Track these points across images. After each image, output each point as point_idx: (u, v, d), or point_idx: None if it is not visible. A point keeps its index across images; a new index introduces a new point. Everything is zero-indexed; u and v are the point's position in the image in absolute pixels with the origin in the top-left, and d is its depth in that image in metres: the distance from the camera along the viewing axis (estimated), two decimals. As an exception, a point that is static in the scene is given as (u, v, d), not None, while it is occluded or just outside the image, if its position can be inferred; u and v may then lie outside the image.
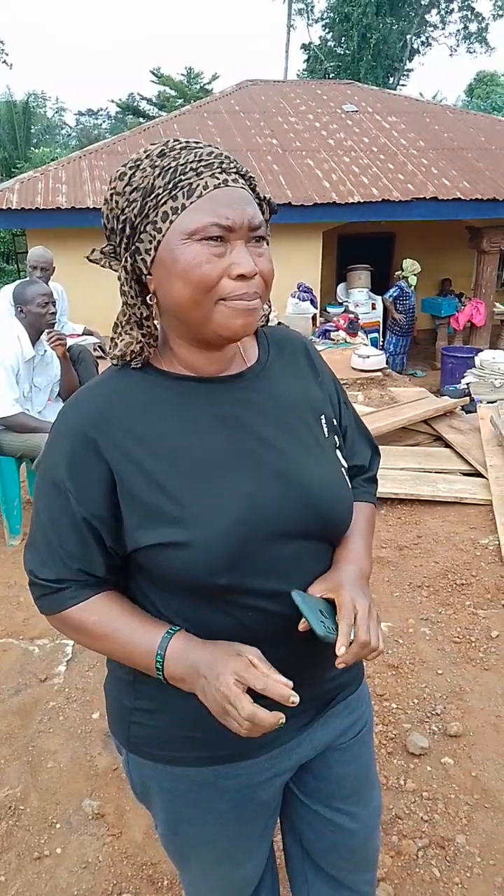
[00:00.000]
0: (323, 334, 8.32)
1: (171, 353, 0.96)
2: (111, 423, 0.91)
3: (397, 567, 3.25)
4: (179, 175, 0.85)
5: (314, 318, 8.82)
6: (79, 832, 1.94)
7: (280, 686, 0.83)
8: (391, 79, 27.42)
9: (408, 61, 28.08)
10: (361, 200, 9.28)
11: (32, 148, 21.95)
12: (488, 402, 5.41)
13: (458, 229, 10.66)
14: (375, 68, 25.71)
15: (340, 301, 10.17)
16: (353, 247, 11.28)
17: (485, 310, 10.44)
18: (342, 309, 9.46)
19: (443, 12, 27.49)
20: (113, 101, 29.36)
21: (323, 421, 1.05)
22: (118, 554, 0.95)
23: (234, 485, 0.91)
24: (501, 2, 26.27)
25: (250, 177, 0.92)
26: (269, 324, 1.07)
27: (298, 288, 8.70)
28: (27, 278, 4.14)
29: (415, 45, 27.92)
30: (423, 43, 28.44)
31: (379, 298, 10.10)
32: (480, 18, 27.42)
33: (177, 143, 0.88)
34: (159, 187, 0.85)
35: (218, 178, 0.86)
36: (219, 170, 0.86)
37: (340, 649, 0.87)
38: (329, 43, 27.90)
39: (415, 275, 9.47)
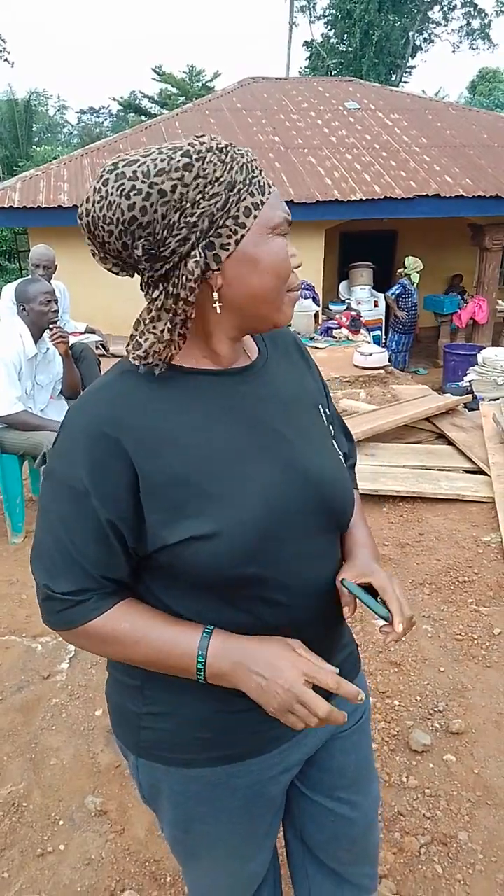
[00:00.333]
0: (325, 332, 8.31)
1: (198, 347, 0.95)
2: (130, 421, 0.89)
3: (399, 564, 3.25)
4: (251, 172, 0.88)
5: (316, 315, 8.81)
6: (81, 829, 1.94)
7: (350, 685, 0.89)
8: (393, 76, 27.37)
9: (410, 58, 28.02)
10: (364, 198, 9.26)
11: (34, 146, 21.94)
12: (491, 400, 5.40)
13: (460, 226, 10.64)
14: (378, 65, 25.67)
15: (343, 299, 10.17)
16: (356, 244, 11.27)
17: (487, 307, 10.42)
18: (344, 306, 9.45)
19: (445, 9, 27.45)
20: (115, 99, 29.34)
21: (321, 410, 1.09)
22: (137, 556, 0.94)
23: (255, 475, 0.93)
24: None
25: None
26: None
27: (301, 285, 8.69)
28: (29, 276, 4.14)
29: (417, 42, 27.87)
30: (425, 40, 28.40)
31: (381, 296, 10.10)
32: (483, 15, 27.38)
33: (218, 140, 0.88)
34: (239, 182, 0.86)
35: (267, 177, 0.92)
36: (261, 170, 0.92)
37: (399, 627, 0.95)
38: (331, 40, 27.85)
39: (417, 272, 9.47)
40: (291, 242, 0.95)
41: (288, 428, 0.99)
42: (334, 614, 1.03)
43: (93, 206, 0.85)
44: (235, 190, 0.86)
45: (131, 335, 0.91)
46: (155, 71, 26.41)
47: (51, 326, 3.46)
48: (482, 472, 4.09)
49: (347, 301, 9.91)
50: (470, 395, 5.67)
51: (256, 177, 0.89)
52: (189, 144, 0.85)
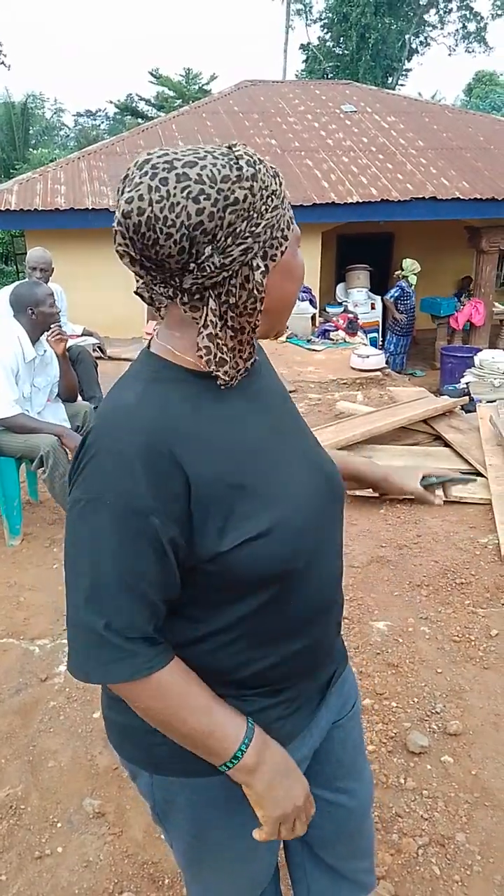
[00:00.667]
0: (322, 334, 8.33)
1: None
2: (177, 430, 0.87)
3: (397, 566, 3.26)
4: (284, 186, 0.90)
5: (313, 317, 8.83)
6: (80, 831, 1.94)
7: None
8: (390, 79, 27.44)
9: (406, 61, 28.13)
10: (360, 200, 9.29)
11: (31, 149, 21.96)
12: (488, 402, 5.41)
13: (457, 229, 10.67)
14: (374, 68, 25.74)
15: (339, 301, 10.19)
16: (352, 247, 11.29)
17: (484, 309, 10.44)
18: (341, 309, 9.47)
19: (441, 12, 27.53)
20: (111, 102, 29.32)
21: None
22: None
23: (289, 470, 0.97)
24: (500, 1, 26.28)
25: None
26: None
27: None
28: (25, 279, 4.14)
29: (413, 45, 27.96)
30: (421, 43, 28.49)
31: (378, 298, 10.12)
32: (479, 18, 27.46)
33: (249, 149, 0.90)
34: (284, 196, 0.90)
35: None
36: None
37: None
38: (328, 43, 27.94)
39: (415, 274, 9.49)
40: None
41: (293, 422, 1.06)
42: (340, 598, 1.09)
43: (150, 205, 0.80)
44: (283, 202, 0.89)
45: (212, 352, 0.88)
46: (151, 74, 26.41)
47: (51, 326, 3.48)
48: (479, 474, 4.10)
49: (344, 303, 9.93)
50: (467, 397, 5.69)
51: (285, 189, 0.91)
52: (245, 153, 0.84)
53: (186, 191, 0.79)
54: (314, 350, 7.76)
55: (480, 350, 7.71)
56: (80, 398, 4.05)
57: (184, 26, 75.42)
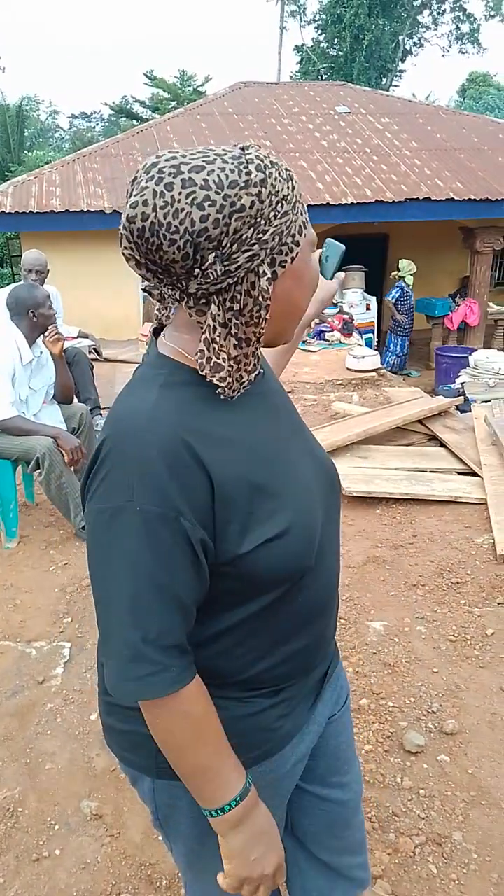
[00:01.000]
0: (318, 335, 8.34)
1: None
2: (197, 432, 0.86)
3: (392, 566, 3.27)
4: (299, 190, 0.89)
5: (309, 319, 8.82)
6: (77, 833, 1.94)
7: None
8: (384, 80, 27.50)
9: (400, 62, 28.17)
10: (355, 201, 9.31)
11: (26, 151, 21.92)
12: (483, 402, 5.42)
13: (451, 230, 10.70)
14: (368, 69, 25.79)
15: (335, 302, 10.18)
16: (347, 248, 11.25)
17: (479, 310, 10.48)
18: (337, 310, 9.46)
19: (435, 13, 27.60)
20: (106, 104, 29.28)
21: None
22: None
23: (300, 469, 0.99)
24: (493, 2, 26.37)
25: None
26: None
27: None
28: (21, 282, 4.15)
29: (407, 46, 28.01)
30: (415, 44, 28.55)
31: (373, 299, 10.13)
32: (472, 19, 27.53)
33: (268, 153, 0.89)
34: (297, 201, 0.88)
35: None
36: None
37: None
38: (322, 44, 27.97)
39: (411, 274, 9.51)
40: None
41: (296, 422, 1.07)
42: (338, 593, 1.11)
43: (154, 210, 0.79)
44: (295, 208, 0.87)
45: (206, 357, 0.86)
46: (146, 75, 26.45)
47: (48, 327, 3.49)
48: (474, 474, 4.11)
49: (339, 304, 9.92)
50: (462, 398, 5.70)
51: (300, 194, 0.90)
52: (256, 157, 0.82)
53: (191, 197, 0.78)
54: (310, 351, 7.77)
55: (475, 350, 7.73)
56: (75, 400, 4.05)
57: (178, 28, 75.48)
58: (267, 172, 0.82)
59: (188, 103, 15.98)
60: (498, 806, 1.98)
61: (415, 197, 9.47)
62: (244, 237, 0.81)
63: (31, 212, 8.87)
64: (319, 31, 27.91)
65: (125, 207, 0.82)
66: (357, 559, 3.32)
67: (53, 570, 3.31)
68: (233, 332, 0.86)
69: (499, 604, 2.92)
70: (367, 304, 10.12)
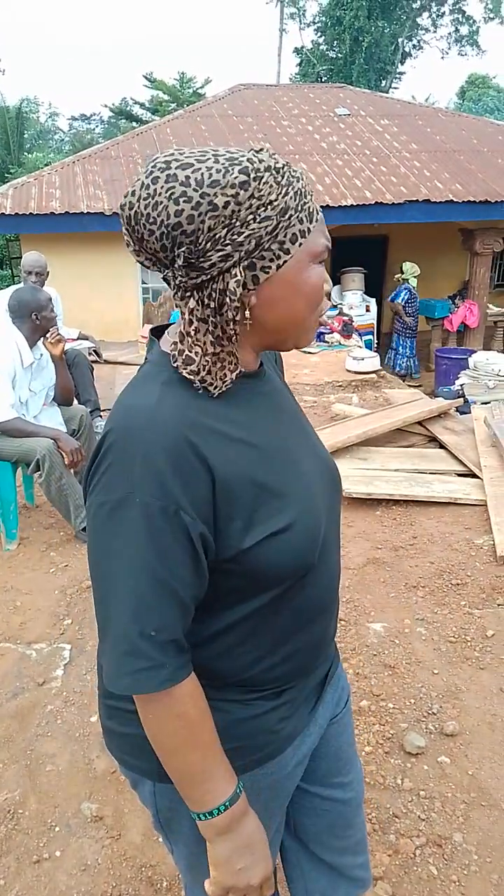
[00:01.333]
0: (317, 337, 8.34)
1: None
2: (197, 428, 0.86)
3: (392, 568, 3.27)
4: (304, 198, 0.88)
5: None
6: (77, 835, 1.94)
7: None
8: (383, 82, 27.54)
9: (400, 64, 28.22)
10: (354, 203, 9.32)
11: (26, 153, 21.93)
12: (482, 403, 5.43)
13: (451, 231, 10.71)
14: (368, 71, 25.83)
15: (334, 303, 10.20)
16: (347, 249, 11.30)
17: (478, 311, 10.48)
18: (336, 311, 9.47)
19: (434, 15, 27.64)
20: (106, 106, 29.39)
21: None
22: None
23: (304, 467, 1.00)
24: (492, 5, 26.41)
25: None
26: None
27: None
28: (22, 284, 4.15)
29: (406, 49, 28.05)
30: (414, 46, 28.60)
31: (373, 300, 10.15)
32: (472, 21, 27.58)
33: (276, 158, 0.88)
34: (292, 208, 0.86)
35: (316, 203, 0.92)
36: (312, 194, 0.92)
37: None
38: (321, 47, 28.02)
39: (415, 276, 9.52)
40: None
41: (300, 421, 1.08)
42: (338, 596, 1.11)
43: (138, 200, 0.83)
44: (287, 216, 0.86)
45: (178, 349, 0.88)
46: (146, 77, 26.47)
47: (49, 329, 3.50)
48: (474, 475, 4.11)
49: (339, 306, 9.94)
50: (461, 399, 5.71)
51: (307, 203, 0.88)
52: (248, 160, 0.83)
53: (170, 192, 0.81)
54: (309, 352, 7.77)
55: (475, 352, 7.74)
56: (75, 402, 4.05)
57: (178, 30, 75.56)
58: (252, 176, 0.82)
59: (188, 105, 16.00)
60: (498, 807, 1.98)
61: (414, 199, 9.49)
62: (217, 236, 0.82)
63: (30, 214, 8.88)
64: (319, 34, 27.95)
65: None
66: (357, 560, 3.32)
67: (53, 571, 3.31)
68: (210, 328, 0.87)
69: (499, 605, 2.92)
70: (367, 306, 10.14)
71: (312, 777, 1.17)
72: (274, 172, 0.85)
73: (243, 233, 0.83)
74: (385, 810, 1.98)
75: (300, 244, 0.88)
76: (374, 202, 9.37)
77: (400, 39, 26.87)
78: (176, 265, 0.84)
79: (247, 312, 0.89)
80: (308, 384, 6.43)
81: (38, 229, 8.97)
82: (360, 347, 7.86)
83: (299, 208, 0.87)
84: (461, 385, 6.49)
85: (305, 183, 0.90)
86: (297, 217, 0.87)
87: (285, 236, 0.86)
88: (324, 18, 26.89)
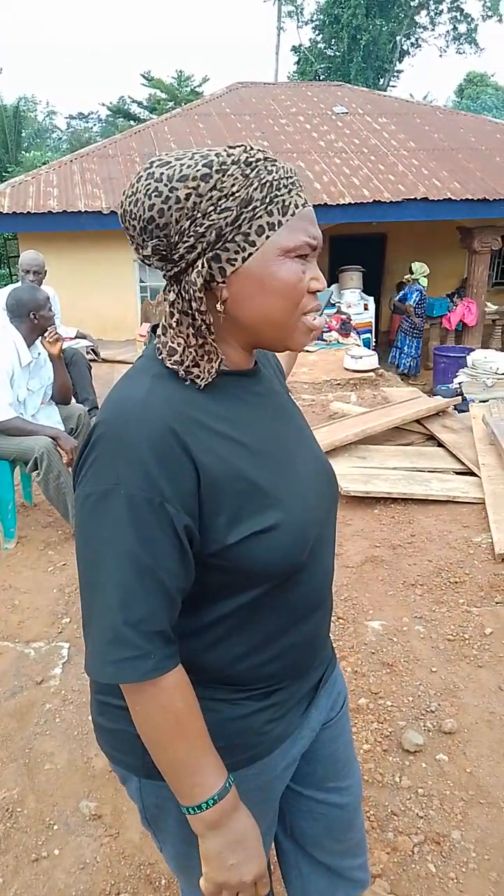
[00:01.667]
0: (315, 335, 8.33)
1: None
2: (186, 421, 0.87)
3: (391, 566, 3.27)
4: (275, 190, 0.87)
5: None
6: (76, 833, 1.94)
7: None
8: (381, 80, 27.53)
9: (398, 62, 28.22)
10: (352, 201, 9.32)
11: (23, 152, 21.93)
12: (480, 402, 5.43)
13: (449, 230, 10.71)
14: (365, 70, 25.83)
15: (333, 302, 10.20)
16: (345, 248, 11.31)
17: (476, 309, 10.49)
18: (335, 310, 9.48)
19: (432, 13, 27.64)
20: (104, 105, 29.32)
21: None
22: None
23: (297, 467, 0.99)
24: (490, 2, 26.40)
25: None
26: None
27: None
28: (19, 283, 4.15)
29: (404, 47, 28.05)
30: (412, 44, 28.60)
31: (371, 299, 10.15)
32: (470, 19, 27.58)
33: (257, 151, 0.88)
34: (256, 200, 0.86)
35: (302, 198, 0.90)
36: (300, 188, 0.90)
37: None
38: (319, 45, 28.01)
39: (425, 277, 9.48)
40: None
41: (296, 422, 1.07)
42: (331, 597, 1.11)
43: (125, 199, 0.88)
44: (250, 207, 0.86)
45: (161, 342, 0.90)
46: (143, 76, 26.46)
47: (47, 328, 3.49)
48: (472, 474, 4.11)
49: (338, 304, 9.94)
50: (460, 397, 5.71)
51: (280, 196, 0.87)
52: (216, 154, 0.86)
53: (147, 188, 0.85)
54: (308, 351, 7.77)
55: (473, 350, 7.74)
56: (73, 400, 4.05)
57: (176, 29, 75.47)
58: (215, 169, 0.84)
59: (185, 104, 15.99)
60: (496, 805, 1.98)
61: (412, 197, 9.48)
62: (183, 228, 0.85)
63: (28, 212, 8.87)
64: (317, 32, 27.94)
65: None
66: (355, 559, 3.32)
67: (52, 570, 3.31)
68: (190, 321, 0.89)
69: (497, 603, 2.92)
70: (365, 305, 10.14)
71: (308, 781, 1.16)
72: (243, 166, 0.86)
73: (204, 223, 0.85)
74: (383, 808, 1.98)
75: (267, 236, 0.87)
76: (372, 200, 9.37)
77: (398, 37, 26.87)
78: (155, 259, 0.89)
79: (220, 306, 0.89)
80: (306, 382, 6.43)
81: (36, 228, 8.95)
82: (359, 346, 7.87)
83: (268, 201, 0.87)
84: (459, 383, 6.49)
85: (285, 177, 0.88)
86: (266, 209, 0.86)
87: (250, 228, 0.86)
88: (322, 16, 26.88)
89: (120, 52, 71.56)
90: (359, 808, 1.24)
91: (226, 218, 0.85)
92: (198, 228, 0.85)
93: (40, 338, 3.52)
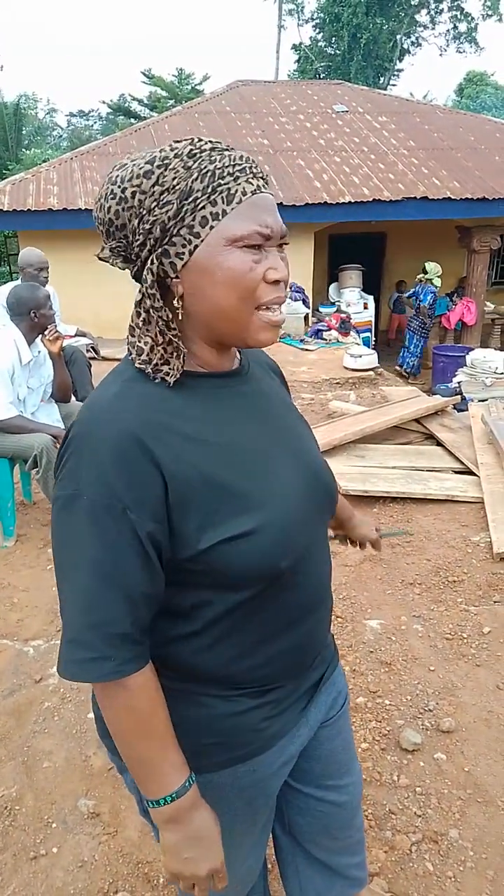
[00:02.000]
0: (315, 334, 8.35)
1: (189, 353, 0.94)
2: (154, 426, 0.86)
3: (389, 565, 3.27)
4: (218, 179, 0.85)
5: (306, 317, 8.85)
6: (74, 831, 1.94)
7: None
8: (381, 79, 27.51)
9: (398, 61, 28.20)
10: (352, 200, 9.31)
11: (24, 149, 21.93)
12: (479, 401, 5.43)
13: (448, 229, 10.70)
14: (366, 68, 25.81)
15: (332, 301, 10.20)
16: (345, 246, 11.31)
17: (476, 309, 10.48)
18: (334, 308, 9.49)
19: (432, 12, 27.61)
20: (104, 103, 29.31)
21: (297, 409, 1.14)
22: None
23: (278, 470, 0.97)
24: (491, 2, 26.37)
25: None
26: None
27: (290, 288, 8.68)
28: (19, 281, 4.14)
29: (405, 46, 28.03)
30: (413, 43, 28.58)
31: (370, 298, 10.15)
32: (470, 18, 27.55)
33: (204, 143, 0.87)
34: (197, 191, 0.84)
35: (252, 184, 0.87)
36: (251, 175, 0.87)
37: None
38: (319, 43, 27.98)
39: (438, 277, 9.44)
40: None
41: (287, 424, 1.05)
42: (329, 599, 1.10)
43: (94, 205, 0.91)
44: (191, 199, 0.84)
45: (130, 342, 0.90)
46: (144, 74, 26.40)
47: (48, 326, 3.49)
48: (471, 473, 4.12)
49: (337, 303, 9.94)
50: (459, 397, 5.71)
51: (225, 185, 0.85)
52: (160, 150, 0.86)
53: (106, 192, 0.88)
54: (307, 350, 7.78)
55: (472, 349, 7.74)
56: (73, 399, 4.05)
57: (176, 27, 75.37)
58: (157, 164, 0.85)
59: (186, 102, 15.97)
60: (494, 803, 1.98)
61: (412, 196, 9.48)
62: (133, 226, 0.87)
63: (28, 210, 8.86)
64: (317, 30, 27.91)
65: None
66: (353, 557, 3.32)
67: (51, 568, 3.30)
68: (155, 319, 0.88)
69: (495, 602, 2.93)
70: (365, 303, 10.13)
71: (306, 778, 1.17)
72: (185, 158, 0.85)
73: (150, 220, 0.86)
74: (381, 807, 1.99)
75: (212, 227, 0.85)
76: (371, 199, 9.36)
77: (398, 36, 26.84)
78: (119, 260, 0.92)
79: (176, 301, 0.89)
80: (305, 381, 6.43)
81: (36, 226, 8.94)
82: (358, 345, 7.87)
83: (210, 190, 0.84)
84: (458, 382, 6.49)
85: (230, 164, 0.86)
86: (209, 199, 0.85)
87: (194, 220, 0.85)
88: (322, 15, 26.84)
89: (120, 51, 71.65)
90: (358, 807, 1.24)
91: (167, 212, 0.85)
92: (145, 225, 0.86)
93: (40, 336, 3.52)
